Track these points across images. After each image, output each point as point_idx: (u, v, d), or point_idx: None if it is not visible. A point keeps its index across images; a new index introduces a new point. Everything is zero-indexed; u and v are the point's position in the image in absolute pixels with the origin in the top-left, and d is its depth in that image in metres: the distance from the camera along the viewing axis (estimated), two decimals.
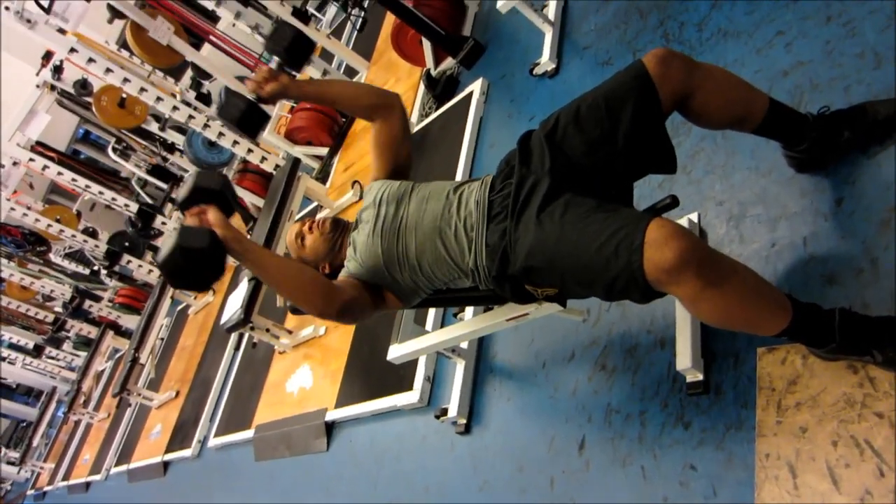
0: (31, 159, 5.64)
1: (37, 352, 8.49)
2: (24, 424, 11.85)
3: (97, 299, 7.54)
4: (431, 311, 2.53)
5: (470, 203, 1.52)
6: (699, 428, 1.55)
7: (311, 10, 5.53)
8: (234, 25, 4.80)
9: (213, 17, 5.10)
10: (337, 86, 1.90)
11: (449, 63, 3.74)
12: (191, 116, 4.57)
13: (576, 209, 1.29)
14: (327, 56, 5.31)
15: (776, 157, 1.67)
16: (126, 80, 4.36)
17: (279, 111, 5.16)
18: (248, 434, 3.79)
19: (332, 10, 7.09)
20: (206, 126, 4.64)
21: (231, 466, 3.98)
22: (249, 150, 4.78)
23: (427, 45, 3.70)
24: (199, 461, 4.44)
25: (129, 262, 6.55)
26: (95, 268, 7.61)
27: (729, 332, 1.55)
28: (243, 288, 3.39)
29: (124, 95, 5.50)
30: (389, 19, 4.48)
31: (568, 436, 1.88)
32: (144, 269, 6.64)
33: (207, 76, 5.27)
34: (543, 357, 2.13)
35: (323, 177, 4.90)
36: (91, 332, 7.87)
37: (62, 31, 4.20)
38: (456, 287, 1.67)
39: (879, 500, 1.18)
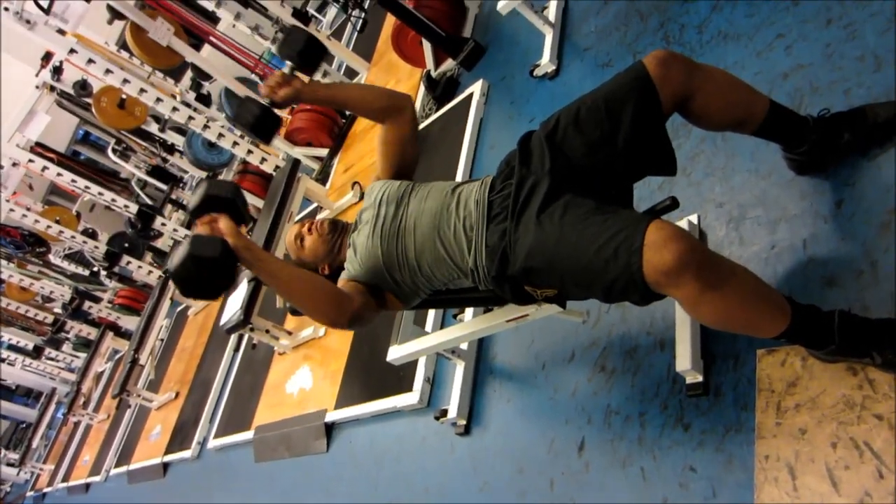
0: (30, 160, 5.64)
1: (36, 353, 8.49)
2: (24, 426, 11.84)
3: (97, 300, 7.54)
4: (431, 313, 2.53)
5: (469, 203, 1.52)
6: (699, 429, 1.55)
7: (311, 11, 5.53)
8: (234, 26, 4.80)
9: (213, 18, 5.11)
10: (349, 89, 1.91)
11: (449, 64, 3.75)
12: (190, 117, 4.57)
13: (575, 210, 1.29)
14: (327, 57, 5.31)
15: (776, 159, 1.67)
16: (126, 81, 4.37)
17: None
18: (247, 435, 3.79)
19: (332, 11, 7.11)
20: (205, 127, 4.64)
21: (231, 468, 3.98)
22: (249, 152, 4.78)
23: (427, 47, 3.71)
24: (198, 462, 4.44)
25: (128, 263, 6.55)
26: (95, 269, 7.60)
27: (728, 333, 1.55)
28: (243, 289, 3.39)
29: (124, 96, 5.50)
30: (390, 20, 4.48)
31: (568, 437, 1.88)
32: (144, 270, 6.64)
33: (207, 77, 5.26)
34: (543, 358, 2.13)
35: (323, 178, 4.90)
36: (91, 333, 7.87)
37: (62, 32, 4.20)
38: (455, 287, 1.67)
39: (879, 501, 1.18)
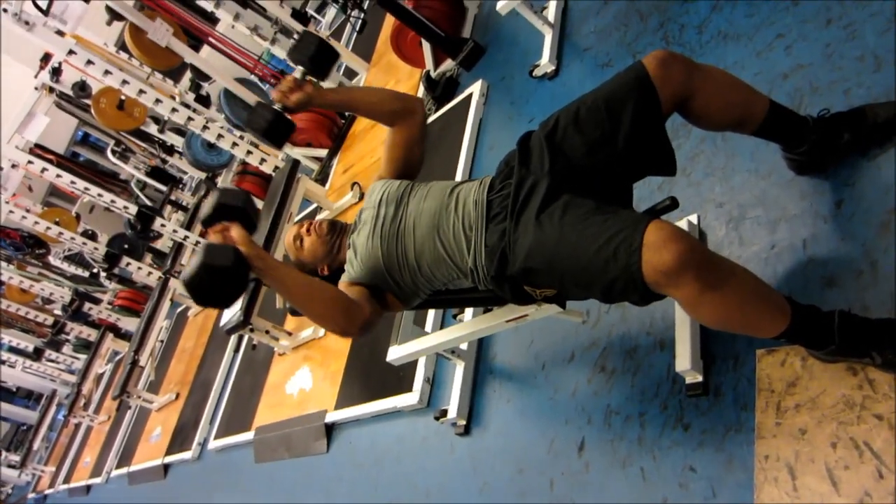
0: (29, 162, 5.63)
1: (37, 355, 8.48)
2: (25, 428, 11.81)
3: (97, 302, 7.53)
4: (431, 313, 2.53)
5: (468, 203, 1.52)
6: (699, 429, 1.55)
7: (310, 11, 5.53)
8: (233, 27, 4.80)
9: (211, 19, 5.10)
10: (360, 93, 1.91)
11: (448, 65, 3.74)
12: (190, 118, 4.57)
13: (575, 210, 1.29)
14: None
15: (776, 159, 1.67)
16: (125, 82, 4.36)
17: None
18: (248, 436, 3.79)
19: (331, 11, 7.11)
20: (205, 128, 4.64)
21: (231, 468, 3.98)
22: (248, 152, 4.78)
23: (427, 47, 3.70)
24: (199, 463, 4.44)
25: (128, 264, 6.54)
26: (95, 270, 7.60)
27: (728, 334, 1.55)
28: None
29: (123, 97, 5.50)
30: (389, 21, 4.48)
31: (568, 437, 1.88)
32: (144, 272, 6.62)
33: (206, 78, 5.26)
34: (543, 358, 2.13)
35: (322, 178, 4.90)
36: (91, 334, 7.86)
37: (61, 33, 4.19)
38: (455, 288, 1.67)
39: (879, 501, 1.18)
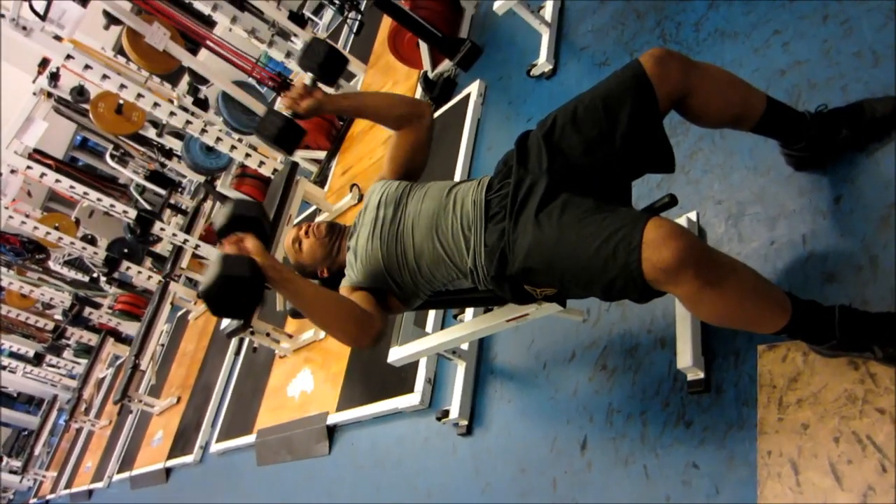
0: (28, 167, 5.62)
1: (37, 360, 8.46)
2: (26, 433, 11.80)
3: (97, 306, 7.53)
4: (431, 313, 2.53)
5: (467, 203, 1.52)
6: (701, 426, 1.55)
7: (307, 13, 5.54)
8: (230, 30, 4.80)
9: (209, 22, 5.09)
10: (370, 98, 1.91)
11: (446, 65, 3.75)
12: (188, 121, 4.56)
13: (574, 210, 1.29)
14: None
15: (774, 155, 1.67)
16: (123, 86, 4.36)
17: None
18: (249, 439, 3.79)
19: (328, 13, 7.11)
20: (203, 131, 4.63)
21: (233, 472, 3.98)
22: (247, 155, 4.78)
23: (424, 48, 3.71)
24: (201, 467, 4.44)
25: (128, 268, 6.52)
26: (95, 275, 7.59)
27: (729, 330, 1.55)
28: None
29: (121, 101, 5.49)
30: (386, 22, 4.49)
31: (570, 436, 1.88)
32: (144, 276, 6.61)
33: (204, 81, 5.26)
34: (544, 358, 2.13)
35: (321, 180, 4.90)
36: (91, 339, 7.85)
37: (58, 38, 4.19)
38: (455, 288, 1.67)
39: (882, 495, 1.18)
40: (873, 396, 1.26)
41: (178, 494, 4.63)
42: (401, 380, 2.67)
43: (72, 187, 5.83)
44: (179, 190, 7.30)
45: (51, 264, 7.48)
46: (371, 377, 3.01)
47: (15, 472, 8.46)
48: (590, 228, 1.22)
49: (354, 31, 4.83)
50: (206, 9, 4.55)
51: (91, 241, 7.26)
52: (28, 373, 8.80)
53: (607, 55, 2.62)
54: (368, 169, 4.23)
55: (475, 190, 1.53)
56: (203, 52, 5.02)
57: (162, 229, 5.87)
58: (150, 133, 6.06)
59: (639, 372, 1.78)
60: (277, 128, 1.73)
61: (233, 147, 4.74)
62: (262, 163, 4.82)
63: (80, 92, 5.93)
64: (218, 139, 4.67)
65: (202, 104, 5.63)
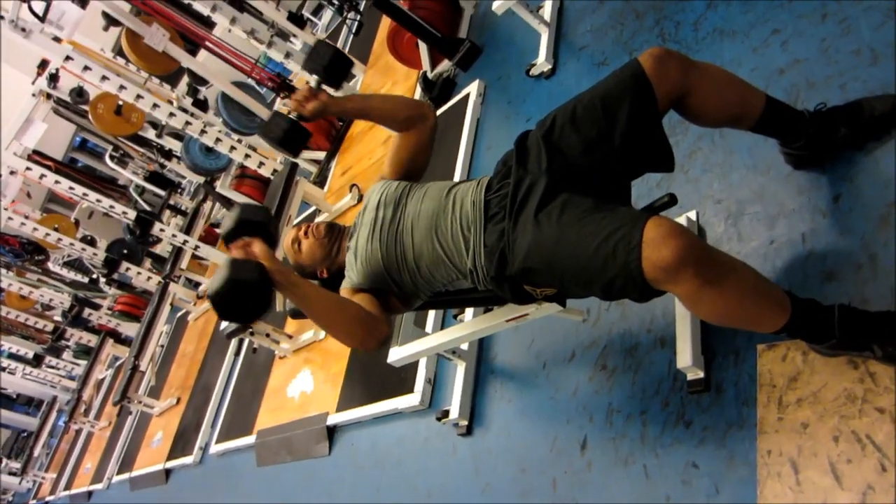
0: (28, 168, 5.62)
1: (37, 361, 8.46)
2: (25, 435, 11.80)
3: (96, 307, 7.52)
4: (431, 313, 2.53)
5: (466, 203, 1.52)
6: (700, 426, 1.55)
7: (306, 14, 5.53)
8: (229, 31, 4.80)
9: (208, 23, 5.10)
10: (375, 100, 1.92)
11: (445, 65, 3.75)
12: (188, 122, 4.56)
13: (573, 209, 1.29)
14: None
15: (774, 154, 1.67)
16: (122, 87, 4.35)
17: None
18: (249, 440, 3.78)
19: (328, 14, 7.11)
20: (202, 132, 4.63)
21: (233, 472, 3.98)
22: (247, 155, 4.78)
23: (423, 48, 3.71)
24: (200, 468, 4.43)
25: (127, 269, 6.52)
26: (94, 276, 7.59)
27: (729, 329, 1.55)
28: None
29: (121, 103, 5.49)
30: (385, 22, 4.49)
31: (570, 436, 1.88)
32: (143, 277, 6.61)
33: (204, 82, 5.26)
34: (544, 358, 2.13)
35: (321, 181, 4.89)
36: (91, 340, 7.84)
37: (57, 40, 4.19)
38: (455, 288, 1.67)
39: (881, 494, 1.18)
40: (873, 396, 1.26)
41: (177, 495, 4.63)
42: (401, 380, 2.67)
43: (71, 188, 5.84)
44: (179, 191, 7.30)
45: (50, 265, 7.48)
46: (371, 377, 3.01)
47: (14, 474, 8.44)
48: (589, 228, 1.22)
49: (353, 31, 4.83)
50: (205, 10, 4.55)
51: (90, 242, 7.26)
52: (27, 374, 8.79)
53: (606, 55, 2.62)
54: (368, 169, 4.23)
55: (474, 190, 1.53)
56: (202, 53, 5.02)
57: (161, 230, 5.87)
58: (150, 134, 6.06)
59: (639, 371, 1.78)
60: (283, 130, 1.74)
61: (232, 148, 4.74)
62: (261, 163, 4.82)
63: (79, 93, 5.93)
64: (217, 140, 4.67)
65: (201, 105, 5.63)
